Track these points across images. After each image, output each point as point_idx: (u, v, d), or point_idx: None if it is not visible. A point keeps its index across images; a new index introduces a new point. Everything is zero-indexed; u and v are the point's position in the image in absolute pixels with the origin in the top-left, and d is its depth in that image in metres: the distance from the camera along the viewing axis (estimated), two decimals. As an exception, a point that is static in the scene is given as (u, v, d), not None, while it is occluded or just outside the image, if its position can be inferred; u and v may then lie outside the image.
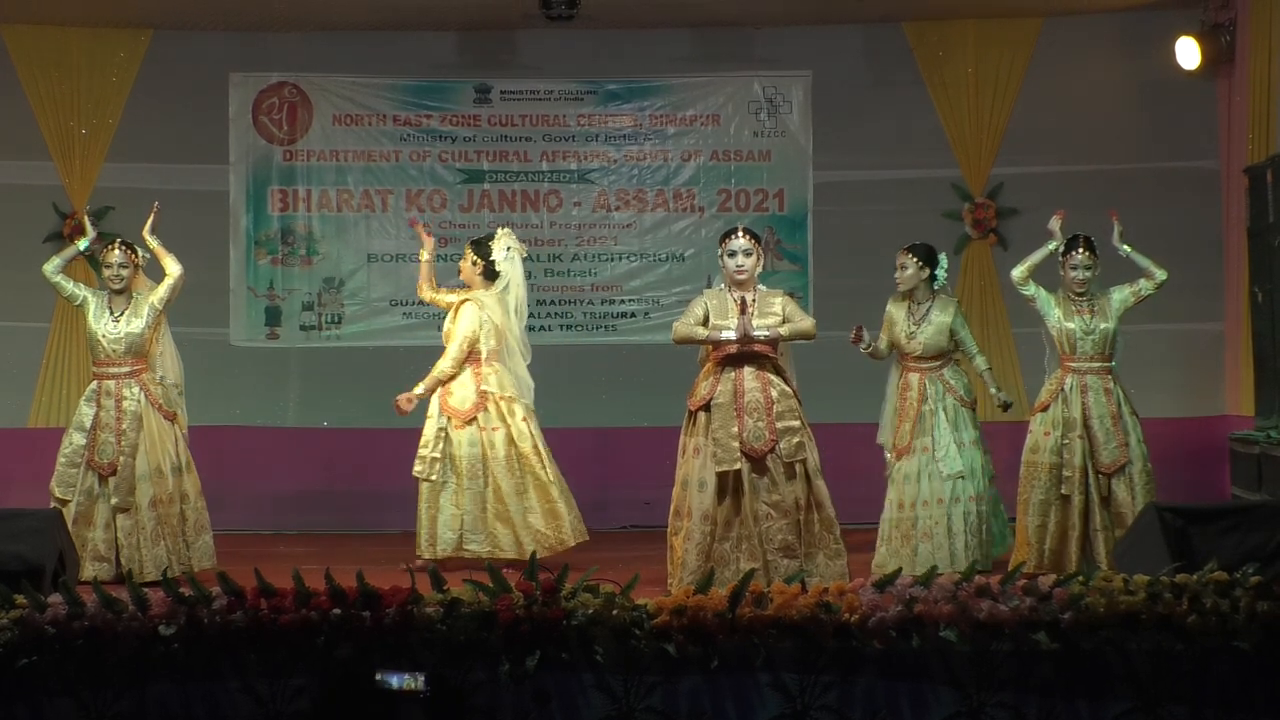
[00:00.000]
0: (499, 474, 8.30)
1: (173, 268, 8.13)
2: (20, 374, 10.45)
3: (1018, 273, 8.03)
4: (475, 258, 8.48)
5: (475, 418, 8.32)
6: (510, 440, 8.34)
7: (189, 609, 5.71)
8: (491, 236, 8.59)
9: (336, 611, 5.68)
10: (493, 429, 8.34)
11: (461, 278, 8.58)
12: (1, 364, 10.46)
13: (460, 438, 8.31)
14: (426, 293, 8.71)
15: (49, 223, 10.48)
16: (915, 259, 8.22)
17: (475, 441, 8.31)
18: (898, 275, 8.30)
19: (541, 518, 8.31)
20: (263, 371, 10.71)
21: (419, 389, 8.37)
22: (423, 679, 5.47)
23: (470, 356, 8.39)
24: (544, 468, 8.38)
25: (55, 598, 5.86)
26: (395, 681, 5.46)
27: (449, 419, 8.34)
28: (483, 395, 8.34)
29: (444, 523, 8.27)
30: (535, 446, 8.40)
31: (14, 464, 9.89)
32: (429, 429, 8.39)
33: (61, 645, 5.67)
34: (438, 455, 8.31)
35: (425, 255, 8.67)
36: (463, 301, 8.46)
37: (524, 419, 8.41)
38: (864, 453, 10.25)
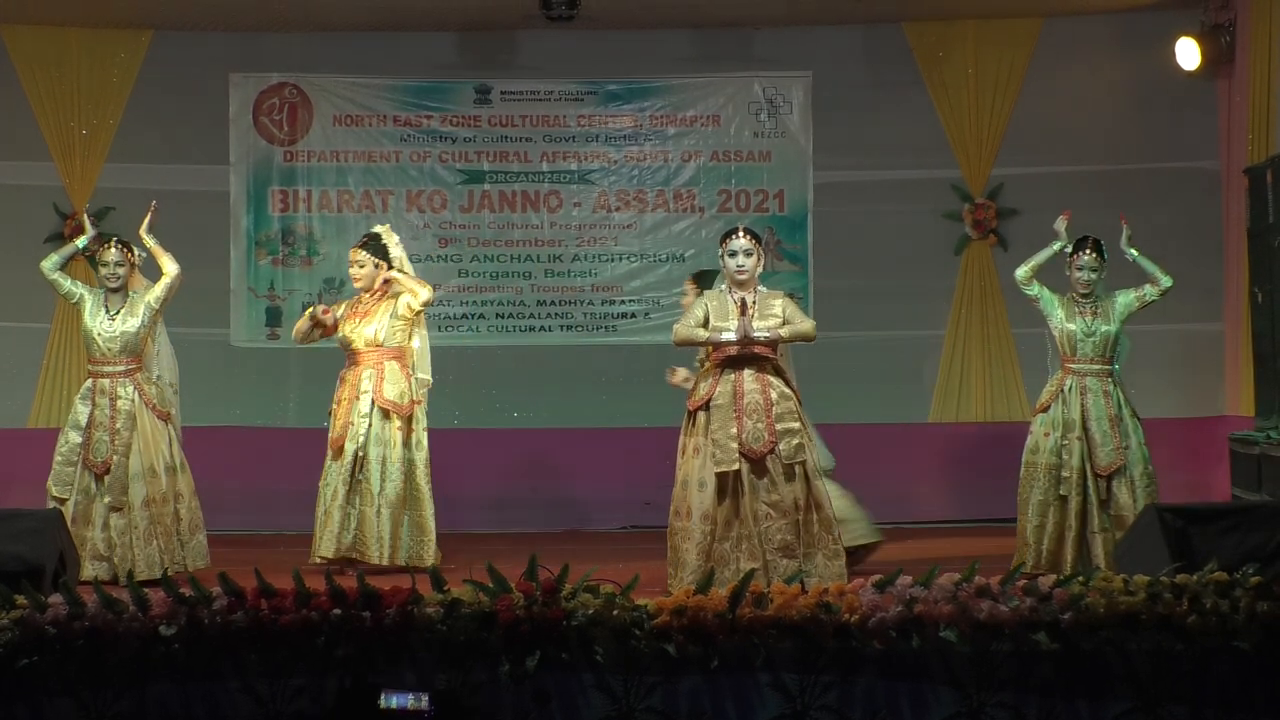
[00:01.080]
0: (406, 476, 8.22)
1: (170, 267, 8.11)
2: (20, 374, 10.46)
3: (1022, 272, 8.02)
4: (378, 259, 8.34)
5: (409, 416, 8.26)
6: (420, 445, 8.30)
7: (189, 609, 5.71)
8: (376, 236, 8.43)
9: (336, 612, 5.68)
10: (420, 430, 8.29)
11: (359, 285, 8.38)
12: (1, 364, 10.47)
13: (392, 436, 8.21)
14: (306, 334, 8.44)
15: (49, 223, 10.49)
16: (694, 286, 8.10)
17: (397, 442, 8.20)
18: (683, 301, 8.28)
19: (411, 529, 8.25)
20: (263, 372, 10.71)
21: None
22: (426, 699, 5.46)
23: (397, 353, 8.30)
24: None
25: (55, 598, 5.86)
26: (397, 702, 5.46)
27: (381, 411, 8.20)
28: (414, 399, 8.29)
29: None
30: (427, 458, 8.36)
31: (14, 464, 9.89)
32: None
33: (62, 645, 5.67)
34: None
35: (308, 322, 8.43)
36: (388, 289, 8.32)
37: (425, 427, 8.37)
38: (863, 453, 10.27)
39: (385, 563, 8.01)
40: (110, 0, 10.08)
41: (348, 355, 8.36)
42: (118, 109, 10.57)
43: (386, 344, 8.27)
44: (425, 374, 8.45)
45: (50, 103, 10.53)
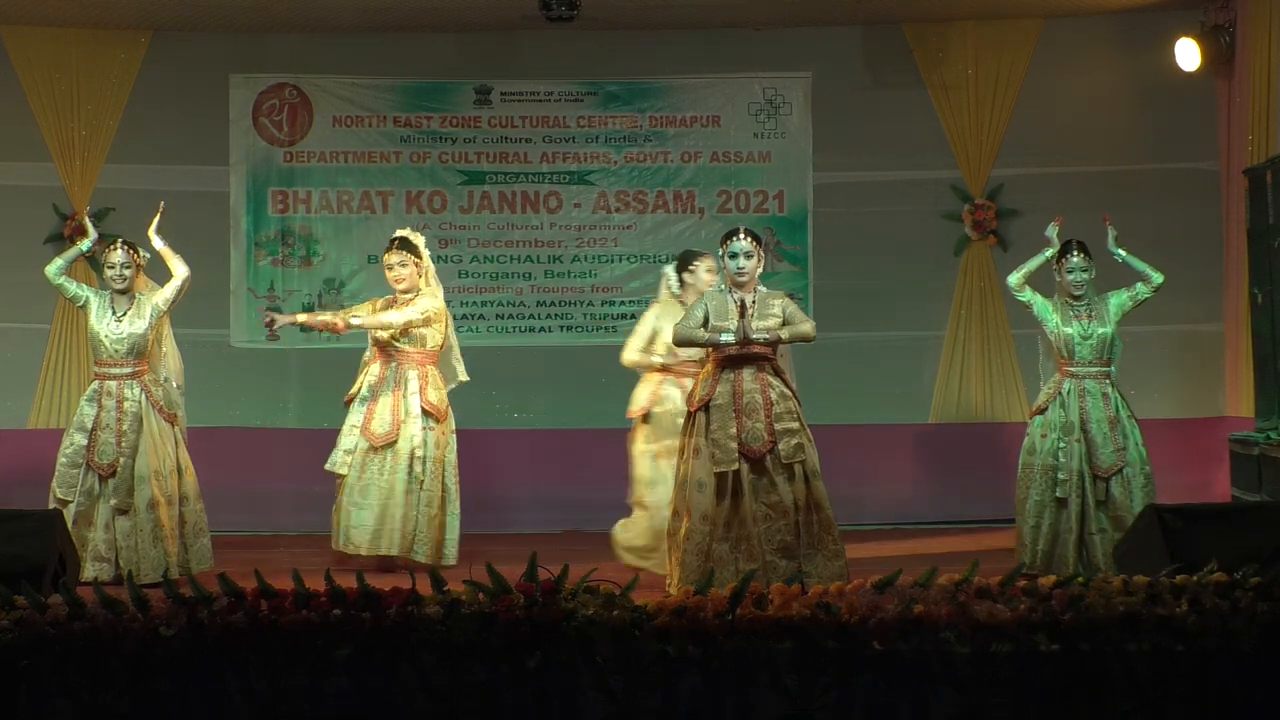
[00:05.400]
0: (441, 480, 8.34)
1: (179, 269, 8.12)
2: (21, 375, 10.45)
3: (1014, 279, 8.02)
4: (415, 259, 8.37)
5: (446, 419, 8.36)
6: (452, 447, 8.41)
7: (189, 610, 5.71)
8: (405, 238, 8.43)
9: (336, 612, 5.68)
10: (450, 432, 8.39)
11: (403, 286, 8.34)
12: (2, 365, 10.47)
13: (436, 439, 8.29)
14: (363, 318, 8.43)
15: (49, 224, 10.48)
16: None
17: (439, 444, 8.31)
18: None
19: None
20: (263, 373, 10.70)
21: (348, 320, 8.32)
22: None
23: (429, 354, 8.37)
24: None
25: (56, 598, 5.86)
26: None
27: (424, 414, 8.28)
28: (448, 404, 8.41)
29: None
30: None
31: (14, 464, 9.89)
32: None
33: (62, 646, 5.67)
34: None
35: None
36: (417, 294, 8.36)
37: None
38: (863, 453, 10.28)
39: (431, 561, 8.10)
40: (110, 0, 10.08)
41: (379, 347, 8.39)
42: (117, 109, 10.56)
43: (429, 346, 8.37)
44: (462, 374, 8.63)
45: (50, 103, 10.52)
